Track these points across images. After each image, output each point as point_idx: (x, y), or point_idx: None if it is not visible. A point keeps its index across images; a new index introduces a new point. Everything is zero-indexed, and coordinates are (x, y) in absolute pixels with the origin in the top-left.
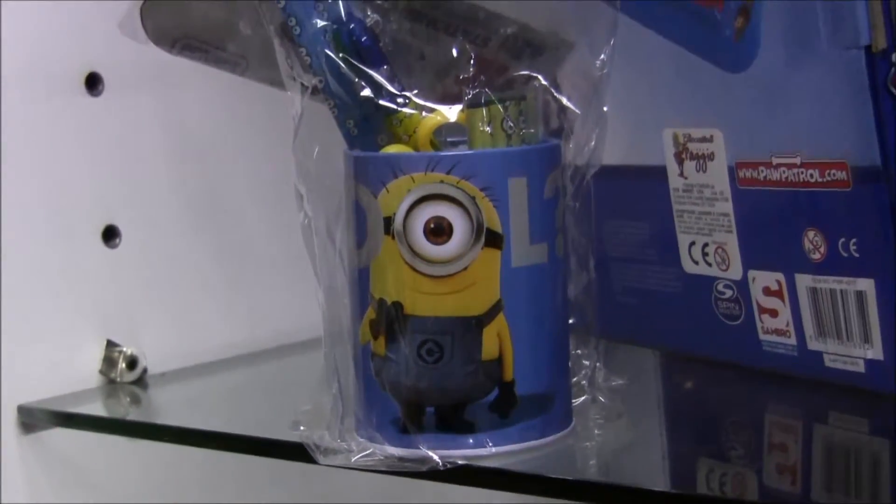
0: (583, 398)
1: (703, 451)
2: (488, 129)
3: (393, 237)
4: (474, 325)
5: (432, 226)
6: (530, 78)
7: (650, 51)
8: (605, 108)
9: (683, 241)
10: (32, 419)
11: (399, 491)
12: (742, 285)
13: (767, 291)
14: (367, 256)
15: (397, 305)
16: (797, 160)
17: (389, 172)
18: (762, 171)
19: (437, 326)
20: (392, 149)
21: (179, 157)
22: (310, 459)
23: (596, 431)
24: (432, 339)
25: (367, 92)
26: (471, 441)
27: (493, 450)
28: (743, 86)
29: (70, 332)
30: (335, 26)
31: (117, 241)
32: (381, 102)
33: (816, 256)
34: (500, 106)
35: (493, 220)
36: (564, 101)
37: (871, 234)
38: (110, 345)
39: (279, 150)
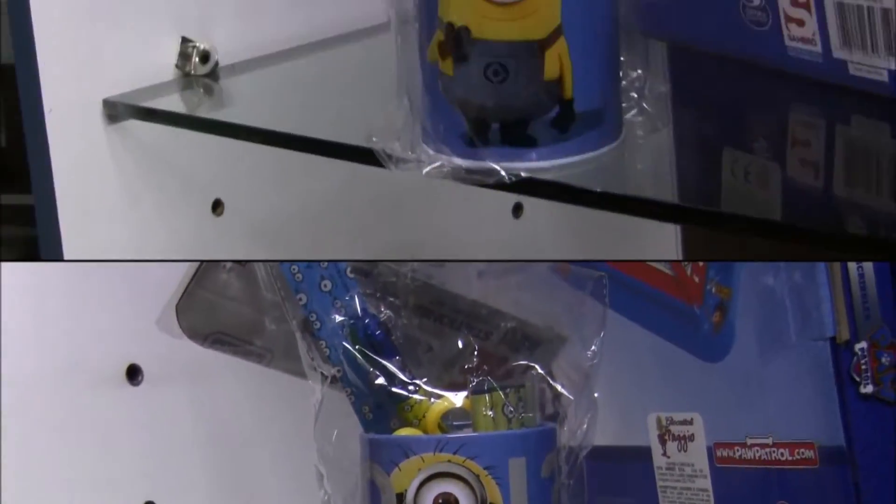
0: (633, 112)
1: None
2: (491, 413)
3: None
4: (537, 48)
5: (440, 501)
6: (528, 368)
7: (636, 342)
8: (595, 395)
9: None
10: (116, 112)
11: None
12: None
13: None
14: None
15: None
16: (769, 440)
17: (401, 453)
18: (738, 450)
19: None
20: (404, 432)
21: (211, 441)
22: (380, 165)
23: (640, 142)
24: (498, 62)
25: (380, 380)
26: (533, 155)
27: (554, 162)
28: (720, 374)
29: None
30: (352, 321)
31: None
32: (394, 390)
33: None
34: (501, 393)
35: (495, 496)
36: (559, 388)
37: None
38: (185, 41)
39: (301, 434)
